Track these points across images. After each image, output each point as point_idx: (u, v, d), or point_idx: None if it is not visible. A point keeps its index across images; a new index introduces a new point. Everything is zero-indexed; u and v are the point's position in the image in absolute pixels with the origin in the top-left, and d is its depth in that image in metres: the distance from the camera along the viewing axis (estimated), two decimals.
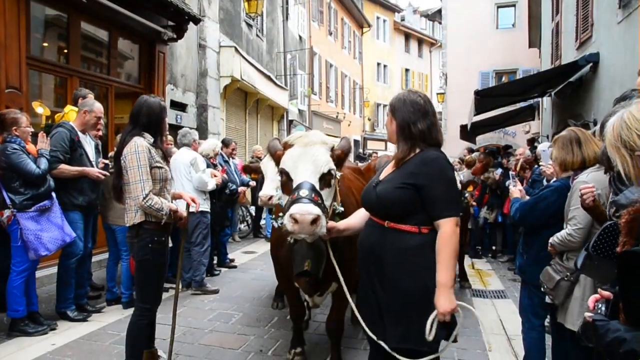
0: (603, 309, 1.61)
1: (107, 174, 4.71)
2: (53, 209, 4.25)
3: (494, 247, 8.54)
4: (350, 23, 26.15)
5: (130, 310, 4.74)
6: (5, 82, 5.22)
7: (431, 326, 2.15)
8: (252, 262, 7.61)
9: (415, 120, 2.26)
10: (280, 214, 2.98)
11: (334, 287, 3.31)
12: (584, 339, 1.59)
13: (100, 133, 5.24)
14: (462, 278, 6.36)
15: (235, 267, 7.13)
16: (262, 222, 9.98)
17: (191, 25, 8.74)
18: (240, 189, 7.21)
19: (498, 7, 19.03)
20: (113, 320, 4.64)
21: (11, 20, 5.29)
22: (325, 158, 2.57)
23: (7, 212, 4.04)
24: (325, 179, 2.54)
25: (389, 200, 2.26)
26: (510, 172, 5.48)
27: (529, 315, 3.44)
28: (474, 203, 8.26)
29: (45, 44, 6.14)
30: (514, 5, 18.79)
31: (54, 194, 4.29)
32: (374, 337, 2.29)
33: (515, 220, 3.80)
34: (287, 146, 2.68)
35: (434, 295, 2.16)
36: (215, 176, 5.91)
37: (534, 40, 15.58)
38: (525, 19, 16.38)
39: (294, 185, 2.45)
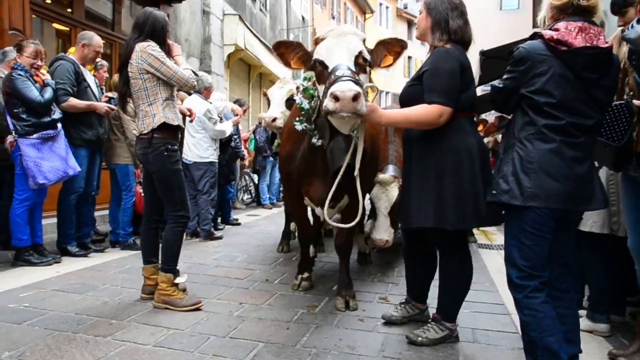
0: None
1: (115, 107, 4.67)
2: (57, 139, 4.18)
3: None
4: (353, 8, 26.06)
5: (132, 252, 4.76)
6: (8, 23, 5.16)
7: None
8: (256, 222, 7.56)
9: (451, 17, 2.42)
10: (301, 116, 2.95)
11: (345, 201, 3.27)
12: None
13: (104, 74, 5.21)
14: (467, 233, 6.31)
15: (239, 224, 7.08)
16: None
17: None
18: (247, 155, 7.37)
19: None
20: (117, 257, 4.61)
21: None
22: (359, 44, 2.53)
23: (10, 138, 4.00)
24: (360, 64, 2.51)
25: (403, 97, 2.59)
26: None
27: None
28: None
29: None
30: None
31: (59, 125, 4.22)
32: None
33: None
34: (318, 41, 2.63)
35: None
36: (236, 114, 6.25)
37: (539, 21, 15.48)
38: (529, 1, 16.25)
39: (330, 70, 2.41)
